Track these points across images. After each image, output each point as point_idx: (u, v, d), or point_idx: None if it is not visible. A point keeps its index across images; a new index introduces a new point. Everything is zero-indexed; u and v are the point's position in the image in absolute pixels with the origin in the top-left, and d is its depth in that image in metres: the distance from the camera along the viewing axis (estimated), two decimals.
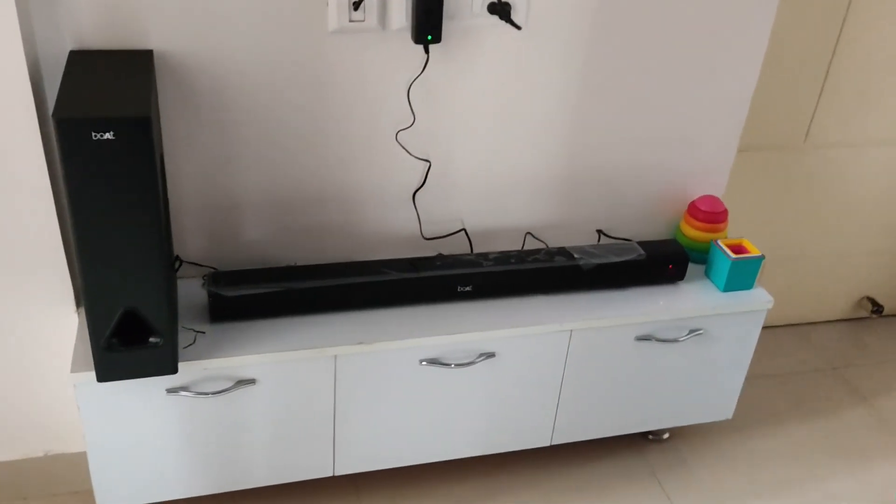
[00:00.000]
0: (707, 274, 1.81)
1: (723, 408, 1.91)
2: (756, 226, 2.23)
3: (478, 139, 1.65)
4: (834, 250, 2.38)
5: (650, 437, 2.03)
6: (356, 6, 1.44)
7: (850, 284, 2.47)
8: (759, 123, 2.06)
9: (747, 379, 2.19)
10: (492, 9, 1.49)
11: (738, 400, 1.93)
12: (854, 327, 2.51)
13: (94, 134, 1.15)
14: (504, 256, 1.67)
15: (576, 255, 1.70)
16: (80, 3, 1.33)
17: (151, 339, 1.36)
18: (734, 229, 2.12)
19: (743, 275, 1.76)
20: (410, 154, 1.63)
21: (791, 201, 2.24)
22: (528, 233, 1.81)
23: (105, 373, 1.37)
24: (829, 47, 2.01)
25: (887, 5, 1.98)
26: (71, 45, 1.36)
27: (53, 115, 1.14)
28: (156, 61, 1.40)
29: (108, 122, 1.15)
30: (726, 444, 2.04)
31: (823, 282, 2.43)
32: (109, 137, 1.15)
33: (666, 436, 2.04)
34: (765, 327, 2.43)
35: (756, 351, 2.30)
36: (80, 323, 1.53)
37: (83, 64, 1.33)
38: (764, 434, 2.08)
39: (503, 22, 1.49)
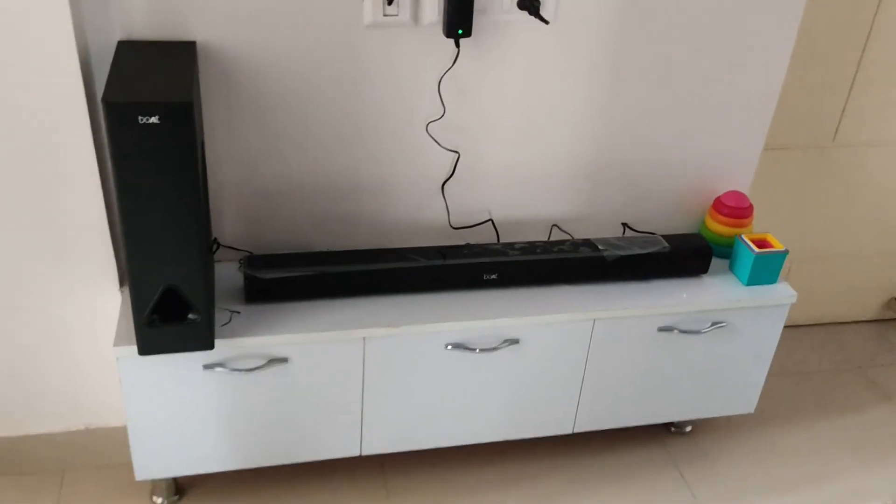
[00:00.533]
0: (731, 268, 1.84)
1: (745, 401, 1.93)
2: (785, 224, 2.25)
3: (506, 132, 1.70)
4: (862, 251, 2.38)
5: (672, 429, 2.06)
6: (390, 1, 1.49)
7: (879, 285, 2.46)
8: (788, 122, 2.08)
9: (771, 375, 2.21)
10: (521, 4, 1.54)
11: (762, 396, 1.95)
12: (882, 328, 2.51)
13: (140, 117, 1.22)
14: (530, 246, 1.72)
15: (600, 247, 1.73)
16: None
17: (190, 316, 1.43)
18: (763, 227, 2.13)
19: (767, 269, 1.78)
20: (440, 145, 1.68)
21: (820, 200, 2.25)
22: (555, 225, 1.85)
23: (146, 346, 1.44)
24: (859, 47, 2.02)
25: None
26: (119, 36, 1.44)
27: (103, 98, 1.21)
28: (198, 52, 1.47)
29: (153, 106, 1.22)
30: (749, 438, 2.06)
31: (852, 282, 2.43)
32: (154, 121, 1.22)
33: (688, 429, 2.06)
34: (791, 326, 2.44)
35: (781, 348, 2.32)
36: (122, 302, 1.60)
37: (130, 53, 1.40)
38: (787, 430, 2.10)
39: (532, 17, 1.54)
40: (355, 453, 1.74)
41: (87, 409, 1.79)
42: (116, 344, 1.48)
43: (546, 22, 1.54)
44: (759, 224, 2.13)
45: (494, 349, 1.66)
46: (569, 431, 1.85)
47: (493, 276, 1.68)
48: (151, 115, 1.22)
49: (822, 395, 2.23)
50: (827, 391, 2.24)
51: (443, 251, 1.68)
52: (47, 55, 1.37)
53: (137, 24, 1.43)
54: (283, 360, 1.57)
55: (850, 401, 2.21)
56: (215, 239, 1.66)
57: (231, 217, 1.67)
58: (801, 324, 2.46)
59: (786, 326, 2.40)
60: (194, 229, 1.35)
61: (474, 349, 1.65)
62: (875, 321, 2.53)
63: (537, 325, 1.66)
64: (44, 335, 1.67)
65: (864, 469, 1.99)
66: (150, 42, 1.45)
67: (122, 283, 1.62)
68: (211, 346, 1.48)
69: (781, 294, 1.78)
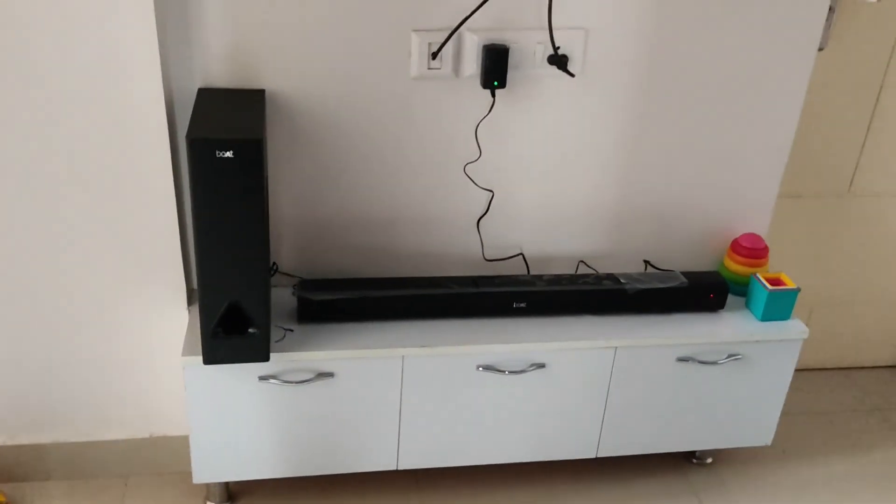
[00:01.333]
0: (747, 304, 1.96)
1: (762, 433, 2.03)
2: (806, 269, 2.36)
3: (537, 173, 1.87)
4: (881, 297, 2.47)
5: (694, 460, 2.16)
6: (434, 56, 1.69)
7: None
8: (805, 171, 2.22)
9: (791, 414, 2.30)
10: (551, 59, 1.72)
11: (782, 433, 2.04)
12: None
13: (217, 152, 1.42)
14: (556, 278, 1.87)
15: (622, 280, 1.88)
16: (209, 52, 1.63)
17: (250, 330, 1.61)
18: (785, 271, 2.24)
19: (780, 306, 1.90)
20: (476, 185, 1.86)
21: (838, 247, 2.37)
22: (581, 261, 2.00)
23: (210, 357, 1.62)
24: (872, 98, 2.16)
25: None
26: (200, 84, 1.65)
27: (187, 136, 1.41)
28: (267, 98, 1.68)
29: (229, 142, 1.42)
30: (768, 472, 2.15)
31: (870, 327, 2.52)
32: (229, 156, 1.42)
33: (709, 460, 2.16)
34: (810, 368, 2.54)
35: (802, 389, 2.42)
36: (189, 319, 1.79)
37: (209, 98, 1.62)
38: (806, 466, 2.18)
39: (560, 71, 1.72)
40: (392, 467, 1.88)
41: (152, 419, 1.96)
42: (184, 354, 1.66)
43: (572, 75, 1.72)
44: (782, 268, 2.24)
45: (522, 372, 1.80)
46: (592, 455, 1.97)
47: (522, 305, 1.83)
48: (227, 150, 1.42)
49: (840, 434, 2.31)
50: (846, 430, 2.32)
51: (476, 280, 1.84)
52: (138, 100, 1.59)
53: (215, 74, 1.65)
54: (330, 374, 1.73)
55: (869, 440, 2.29)
56: (274, 263, 1.85)
57: (288, 245, 1.86)
58: (821, 367, 2.55)
59: (807, 369, 2.52)
60: (258, 252, 1.53)
61: (503, 371, 1.80)
62: (894, 366, 2.60)
63: (562, 350, 1.80)
64: (118, 349, 1.86)
65: None
66: (226, 89, 1.66)
67: (189, 302, 1.81)
68: (266, 359, 1.65)
69: (794, 330, 1.90)
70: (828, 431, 2.31)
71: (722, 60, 1.82)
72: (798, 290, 1.90)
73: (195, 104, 1.58)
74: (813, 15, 1.81)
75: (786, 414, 2.21)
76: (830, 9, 1.96)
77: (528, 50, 1.72)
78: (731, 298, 1.96)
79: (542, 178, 1.88)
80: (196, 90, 1.65)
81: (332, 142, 1.76)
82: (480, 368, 1.79)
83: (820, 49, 2.01)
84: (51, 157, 1.63)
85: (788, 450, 2.21)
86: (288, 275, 1.88)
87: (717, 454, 2.17)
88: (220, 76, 1.65)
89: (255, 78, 1.67)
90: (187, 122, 1.49)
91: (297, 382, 1.72)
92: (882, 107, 2.18)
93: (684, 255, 2.04)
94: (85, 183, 1.66)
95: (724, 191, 1.98)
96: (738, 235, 2.02)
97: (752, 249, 1.97)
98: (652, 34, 1.76)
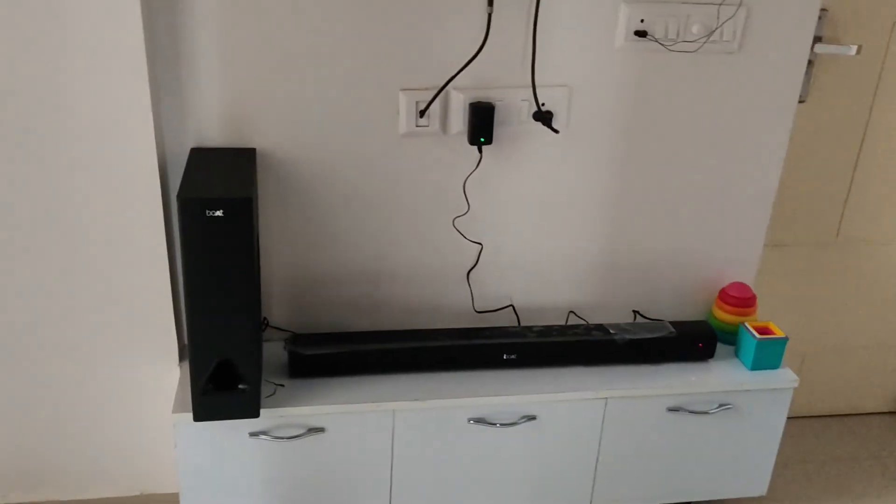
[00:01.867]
0: (736, 354, 1.97)
1: (756, 483, 2.02)
2: (795, 318, 2.37)
3: (525, 226, 1.90)
4: (875, 344, 2.48)
5: None
6: (422, 114, 1.73)
7: (894, 377, 2.55)
8: (792, 221, 2.25)
9: (787, 463, 2.29)
10: (536, 116, 1.76)
11: (778, 482, 2.03)
12: None
13: (207, 211, 1.44)
14: (546, 330, 1.88)
15: (611, 331, 1.89)
16: (202, 113, 1.66)
17: (240, 386, 1.61)
18: (776, 320, 2.24)
19: (769, 354, 1.91)
20: (465, 238, 1.89)
21: (829, 295, 2.38)
22: (572, 311, 2.02)
23: (200, 413, 1.62)
24: (855, 149, 2.20)
25: None
26: (192, 144, 1.69)
27: (178, 196, 1.44)
28: (258, 157, 1.72)
29: (219, 202, 1.44)
30: None
31: (866, 374, 2.52)
32: (219, 214, 1.45)
33: None
34: (805, 416, 2.53)
35: (797, 437, 2.41)
36: (180, 376, 1.80)
37: (201, 158, 1.65)
38: None
39: (545, 127, 1.76)
40: None
41: (143, 476, 1.96)
42: (175, 411, 1.67)
43: (556, 131, 1.76)
44: (773, 317, 2.25)
45: (514, 424, 1.81)
46: None
47: (513, 357, 1.84)
48: (217, 209, 1.44)
49: (837, 482, 2.29)
50: (843, 479, 2.31)
51: (467, 332, 1.85)
52: (131, 160, 1.62)
53: (208, 134, 1.69)
54: (321, 429, 1.73)
55: (867, 488, 2.27)
56: (265, 318, 1.87)
57: (279, 300, 1.88)
58: (817, 414, 2.54)
59: (802, 416, 2.51)
60: (248, 309, 1.55)
61: (495, 424, 1.80)
62: (890, 413, 2.60)
63: (553, 402, 1.81)
64: (109, 406, 1.86)
65: None
66: (218, 149, 1.70)
67: (181, 359, 1.82)
68: (257, 415, 1.65)
69: (784, 378, 1.90)
70: (825, 480, 2.30)
71: (704, 114, 1.86)
72: (786, 338, 1.91)
73: (187, 163, 1.62)
74: (792, 69, 1.86)
75: (782, 463, 2.21)
76: (810, 62, 2.02)
77: (514, 107, 1.76)
78: (720, 348, 1.97)
79: (530, 230, 1.91)
80: (189, 150, 1.68)
81: (323, 198, 1.79)
82: (471, 421, 1.79)
83: (801, 101, 2.06)
84: (44, 216, 1.65)
85: (785, 499, 2.19)
86: (279, 329, 1.89)
87: None
88: (213, 136, 1.69)
89: (246, 137, 1.71)
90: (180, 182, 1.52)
91: (287, 438, 1.72)
92: (865, 155, 2.21)
93: (673, 305, 2.05)
94: (77, 241, 1.68)
95: (711, 241, 2.01)
96: (725, 284, 2.04)
97: (739, 298, 1.99)
98: (635, 90, 1.81)
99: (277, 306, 1.88)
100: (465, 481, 1.85)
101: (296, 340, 1.80)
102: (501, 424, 1.80)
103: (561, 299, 2.00)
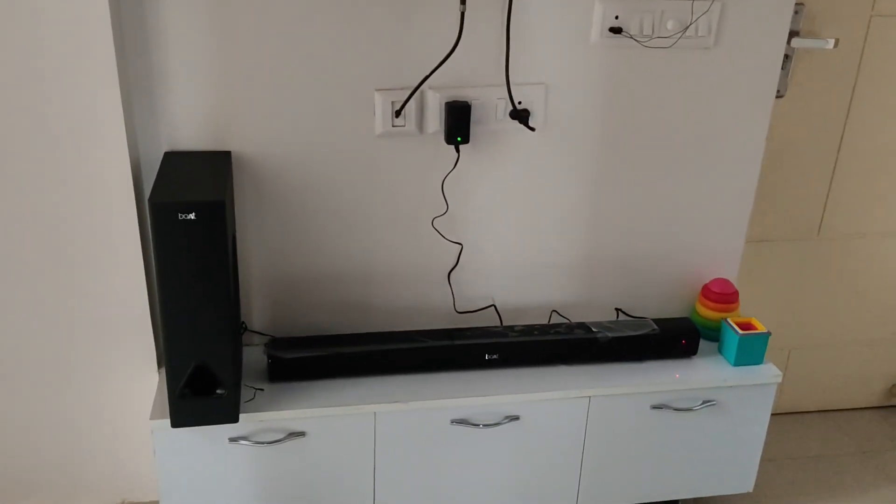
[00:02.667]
0: (719, 350, 1.96)
1: (742, 480, 2.01)
2: (778, 313, 2.37)
3: (504, 225, 1.89)
4: (861, 339, 2.48)
5: None
6: (397, 114, 1.72)
7: (880, 372, 2.55)
8: (773, 217, 2.24)
9: (774, 460, 2.29)
10: (513, 114, 1.75)
11: (764, 478, 2.02)
12: (886, 414, 2.57)
13: (179, 214, 1.43)
14: (529, 329, 1.87)
15: (594, 329, 1.88)
16: (175, 116, 1.65)
17: (218, 391, 1.60)
18: (760, 316, 2.22)
19: (751, 350, 1.90)
20: (445, 238, 1.87)
21: (813, 290, 2.38)
22: (554, 310, 2.00)
23: (178, 419, 1.60)
24: (835, 142, 2.20)
25: (889, 100, 2.17)
26: (166, 148, 1.68)
27: (149, 200, 1.43)
28: (233, 160, 1.71)
29: (191, 205, 1.43)
30: None
31: (853, 369, 2.52)
32: (192, 217, 1.43)
33: None
34: (794, 412, 2.52)
35: (784, 434, 2.41)
36: (159, 382, 1.78)
37: (175, 161, 1.64)
38: None
39: (522, 125, 1.75)
40: None
41: (124, 484, 1.94)
42: (152, 417, 1.65)
43: (532, 129, 1.75)
44: (757, 313, 2.24)
45: (496, 425, 1.79)
46: None
47: (495, 357, 1.83)
48: (189, 213, 1.43)
49: (826, 478, 2.29)
50: (831, 475, 2.30)
51: (448, 333, 1.84)
52: (104, 165, 1.61)
53: (182, 138, 1.67)
54: (301, 433, 1.72)
55: (855, 484, 2.26)
56: (243, 322, 1.85)
57: (258, 304, 1.86)
58: (803, 410, 2.54)
59: (788, 413, 2.51)
60: (224, 312, 1.53)
61: (477, 425, 1.78)
62: (879, 408, 2.59)
63: (536, 402, 1.80)
64: (87, 413, 1.84)
65: None
66: (193, 152, 1.68)
67: (159, 365, 1.81)
68: (236, 420, 1.63)
69: (767, 374, 1.90)
70: (812, 476, 2.29)
71: (681, 110, 1.86)
72: (769, 333, 1.90)
73: (160, 167, 1.60)
74: (769, 64, 1.86)
75: (768, 460, 2.20)
76: (787, 56, 2.02)
77: (490, 105, 1.75)
78: (703, 344, 1.96)
79: (510, 229, 1.90)
80: (163, 154, 1.67)
81: (301, 200, 1.78)
82: (454, 423, 1.77)
83: (779, 96, 2.06)
84: (16, 223, 1.64)
85: (773, 496, 2.19)
86: (259, 333, 1.88)
87: (698, 502, 2.14)
88: (187, 139, 1.68)
89: (221, 140, 1.69)
90: None
91: (268, 443, 1.70)
92: (845, 149, 2.21)
93: (656, 302, 2.05)
94: (53, 248, 1.67)
95: (692, 237, 2.00)
96: (708, 281, 2.03)
97: (722, 294, 1.98)
98: (611, 87, 1.80)
99: (257, 310, 1.87)
100: (448, 483, 1.84)
101: (275, 344, 1.78)
102: (484, 425, 1.79)
103: (543, 298, 1.99)
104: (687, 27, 1.75)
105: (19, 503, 1.90)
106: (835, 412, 2.57)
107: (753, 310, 2.17)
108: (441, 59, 1.68)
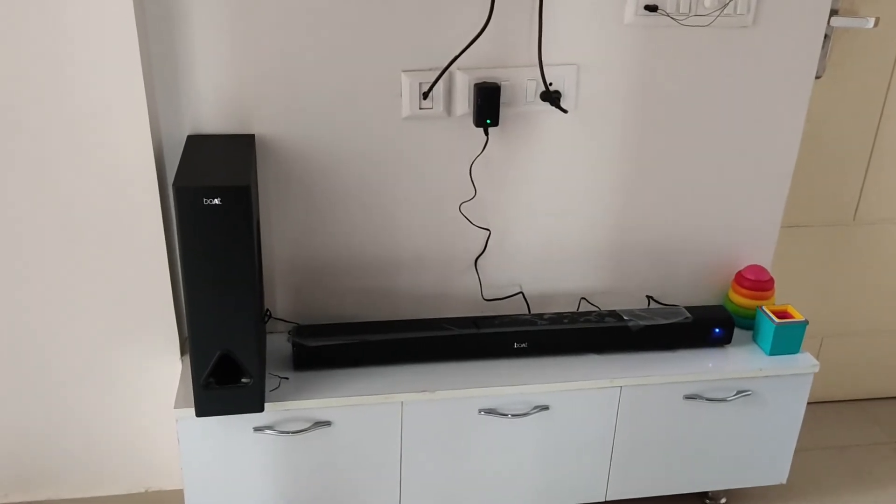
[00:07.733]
0: (754, 339, 1.91)
1: (776, 472, 1.97)
2: (812, 300, 2.31)
3: (533, 211, 1.84)
4: (893, 325, 2.41)
5: (707, 501, 2.08)
6: (425, 96, 1.67)
7: None
8: (808, 201, 2.18)
9: (806, 450, 2.23)
10: (544, 96, 1.70)
11: (797, 469, 1.97)
12: None
13: (204, 199, 1.39)
14: (558, 317, 1.83)
15: (625, 317, 1.83)
16: (198, 99, 1.61)
17: (243, 380, 1.57)
18: (793, 303, 2.17)
19: (788, 339, 1.85)
20: (472, 224, 1.83)
21: (846, 276, 2.32)
22: (583, 298, 1.96)
23: (203, 408, 1.57)
24: (873, 125, 2.13)
25: None
26: (189, 131, 1.64)
27: (173, 184, 1.39)
28: (257, 143, 1.67)
29: (216, 190, 1.39)
30: None
31: (884, 356, 2.46)
32: (217, 202, 1.40)
33: (723, 500, 2.08)
34: (825, 401, 2.47)
35: (815, 423, 2.36)
36: (183, 370, 1.75)
37: (198, 145, 1.60)
38: (822, 503, 2.11)
39: (553, 108, 1.70)
40: None
41: (148, 473, 1.92)
42: (177, 406, 1.62)
43: (565, 111, 1.70)
44: (790, 300, 2.19)
45: (525, 415, 1.75)
46: (601, 499, 1.91)
47: (524, 345, 1.79)
48: (214, 198, 1.39)
49: (857, 469, 2.23)
50: (862, 466, 2.25)
51: (476, 321, 1.80)
52: (126, 150, 1.57)
53: (205, 121, 1.63)
54: (327, 423, 1.68)
55: (887, 475, 2.21)
56: (268, 310, 1.82)
57: (283, 291, 1.83)
58: (835, 399, 2.48)
59: (820, 402, 2.45)
60: (249, 299, 1.50)
61: (506, 415, 1.75)
62: None
63: (565, 391, 1.75)
64: (111, 402, 1.82)
65: None
66: (216, 135, 1.65)
67: (182, 353, 1.78)
68: (261, 409, 1.60)
69: (804, 363, 1.84)
70: (846, 467, 2.24)
71: (717, 91, 1.80)
72: (806, 322, 1.85)
73: (183, 151, 1.56)
74: (808, 43, 1.79)
75: (801, 450, 2.15)
76: (826, 36, 1.95)
77: (520, 87, 1.70)
78: (737, 333, 1.91)
79: (539, 214, 1.85)
80: (185, 137, 1.63)
81: (325, 185, 1.74)
82: (482, 412, 1.74)
83: (817, 77, 1.99)
84: (39, 209, 1.61)
85: (805, 487, 2.14)
86: (283, 321, 1.84)
87: (730, 494, 2.10)
88: (210, 123, 1.64)
89: (244, 123, 1.65)
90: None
91: (293, 433, 1.67)
92: (883, 132, 2.14)
93: (688, 290, 2.00)
94: (74, 234, 1.64)
95: (726, 223, 1.95)
96: (741, 268, 1.98)
97: (756, 282, 1.93)
98: (646, 67, 1.74)
99: (281, 297, 1.83)
100: (476, 474, 1.80)
101: (300, 332, 1.75)
102: (513, 415, 1.75)
103: (572, 285, 1.94)
104: (726, 4, 1.69)
105: (43, 491, 1.89)
106: (868, 401, 2.51)
107: (785, 296, 2.12)
108: (470, 39, 1.62)
